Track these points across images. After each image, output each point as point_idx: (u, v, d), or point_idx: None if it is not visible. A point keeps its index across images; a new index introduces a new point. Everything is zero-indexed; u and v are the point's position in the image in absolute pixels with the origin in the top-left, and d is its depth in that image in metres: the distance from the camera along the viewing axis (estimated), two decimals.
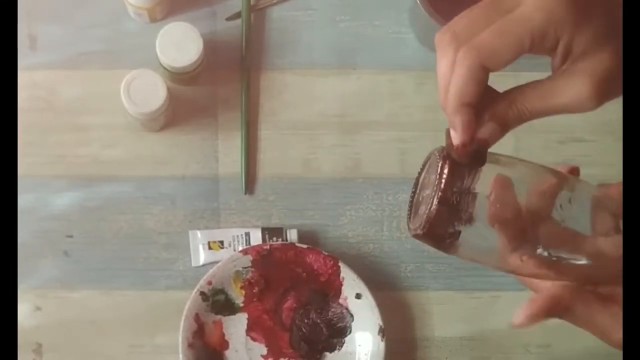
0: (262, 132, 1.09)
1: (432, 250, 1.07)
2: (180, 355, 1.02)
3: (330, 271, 1.04)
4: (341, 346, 1.05)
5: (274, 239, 1.05)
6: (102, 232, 1.07)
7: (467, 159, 0.64)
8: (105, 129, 1.08)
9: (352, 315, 1.05)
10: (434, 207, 0.65)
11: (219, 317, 1.04)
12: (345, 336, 1.05)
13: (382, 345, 1.03)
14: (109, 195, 1.07)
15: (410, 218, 0.70)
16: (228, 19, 1.10)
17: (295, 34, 1.11)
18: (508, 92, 0.63)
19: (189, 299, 1.02)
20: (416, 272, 1.08)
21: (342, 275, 1.04)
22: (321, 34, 1.11)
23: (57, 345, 1.05)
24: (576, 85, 0.60)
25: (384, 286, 1.07)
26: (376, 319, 1.03)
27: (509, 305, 1.08)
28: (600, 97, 0.60)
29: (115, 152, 1.08)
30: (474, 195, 0.66)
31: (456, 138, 0.63)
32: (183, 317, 1.02)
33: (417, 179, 0.69)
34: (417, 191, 0.69)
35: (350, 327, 1.05)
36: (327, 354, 1.05)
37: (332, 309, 1.05)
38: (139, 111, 1.01)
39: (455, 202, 0.65)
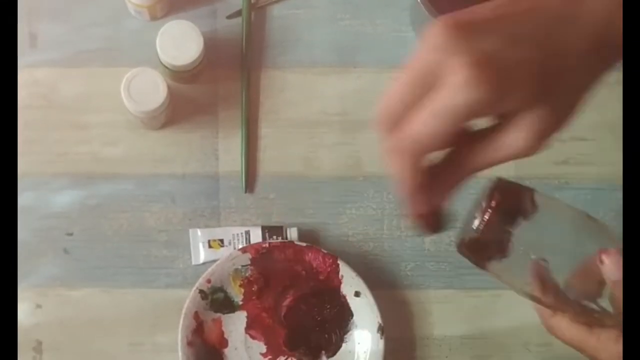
0: (262, 130, 1.09)
1: (432, 249, 1.08)
2: (180, 353, 1.02)
3: (329, 269, 1.04)
4: (340, 344, 1.05)
5: (274, 237, 1.05)
6: (103, 230, 1.07)
7: (432, 229, 0.67)
8: (105, 127, 1.08)
9: (351, 314, 1.05)
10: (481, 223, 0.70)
11: (218, 315, 1.04)
12: (345, 334, 1.05)
13: (381, 343, 1.03)
14: (109, 193, 1.07)
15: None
16: (228, 17, 1.10)
17: (296, 32, 1.11)
18: (450, 156, 0.62)
19: (188, 297, 1.02)
20: (416, 271, 1.08)
21: (341, 273, 1.04)
22: (322, 32, 1.11)
23: (57, 343, 1.05)
24: (520, 140, 0.60)
25: (384, 284, 1.07)
26: (375, 317, 1.03)
27: (509, 304, 1.08)
28: (543, 145, 0.61)
29: (115, 150, 1.08)
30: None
31: (413, 216, 0.65)
32: (182, 315, 1.02)
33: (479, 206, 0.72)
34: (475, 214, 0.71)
35: (349, 325, 1.05)
36: (326, 352, 1.05)
37: (331, 307, 1.05)
38: (139, 109, 1.01)
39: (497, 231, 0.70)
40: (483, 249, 0.71)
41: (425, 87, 0.58)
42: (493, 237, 0.70)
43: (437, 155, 0.62)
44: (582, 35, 0.60)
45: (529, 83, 0.58)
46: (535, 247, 0.71)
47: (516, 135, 0.60)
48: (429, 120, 0.57)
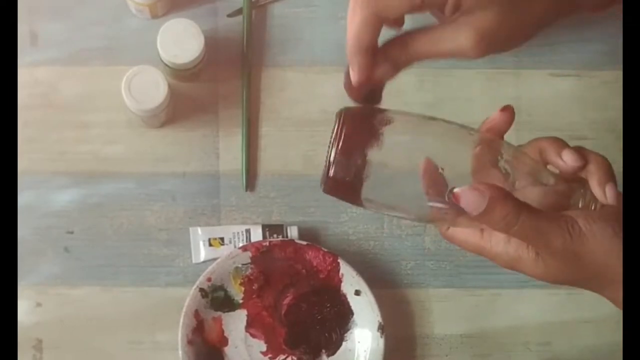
0: (263, 129, 1.09)
1: (432, 247, 1.08)
2: (180, 352, 1.02)
3: (329, 268, 1.04)
4: (340, 343, 1.05)
5: (275, 235, 1.05)
6: (103, 228, 1.07)
7: (362, 99, 0.73)
8: (106, 126, 1.08)
9: (351, 312, 1.05)
10: (332, 157, 0.69)
11: (218, 313, 1.04)
12: (345, 333, 1.05)
13: (381, 342, 1.03)
14: (109, 191, 1.07)
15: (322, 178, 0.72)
16: (229, 16, 1.10)
17: (297, 31, 1.11)
18: (401, 36, 0.70)
19: (189, 296, 1.02)
20: (416, 270, 1.08)
21: (341, 272, 1.04)
22: (322, 31, 1.11)
23: (57, 341, 1.05)
24: (461, 36, 0.67)
25: (385, 283, 1.07)
26: (376, 316, 1.03)
27: (509, 303, 1.08)
28: (482, 49, 0.67)
29: (116, 148, 1.08)
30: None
31: (354, 77, 0.71)
32: (182, 314, 1.02)
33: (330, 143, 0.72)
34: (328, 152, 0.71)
35: (349, 324, 1.05)
36: (327, 350, 1.05)
37: (332, 306, 1.05)
38: (139, 108, 1.01)
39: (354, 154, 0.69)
40: (349, 183, 0.70)
41: None
42: (353, 167, 0.69)
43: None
44: None
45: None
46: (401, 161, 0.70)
47: (462, 31, 0.66)
48: None
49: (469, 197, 0.66)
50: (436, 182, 0.69)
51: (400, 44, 0.70)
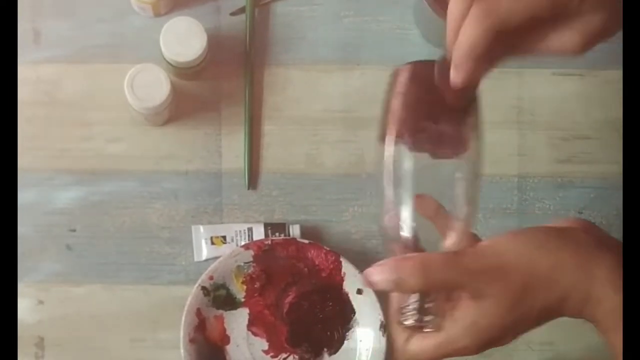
0: (265, 128, 1.09)
1: None
2: (182, 350, 1.02)
3: (331, 266, 1.04)
4: (342, 342, 1.05)
5: (277, 234, 1.05)
6: (105, 226, 1.07)
7: (461, 101, 0.71)
8: (108, 124, 1.08)
9: (353, 311, 1.05)
10: None
11: (220, 311, 1.04)
12: (347, 332, 1.05)
13: (383, 341, 1.03)
14: (112, 189, 1.07)
15: None
16: (232, 14, 1.10)
17: (300, 30, 1.11)
18: (504, 36, 0.67)
19: (191, 294, 1.02)
20: None
21: (343, 270, 1.04)
22: (325, 30, 1.11)
23: (59, 339, 1.06)
24: (565, 37, 0.66)
25: None
26: (378, 315, 1.03)
27: None
28: (585, 49, 0.67)
29: (118, 146, 1.08)
30: None
31: (459, 80, 0.69)
32: (184, 312, 1.02)
33: None
34: None
35: (351, 322, 1.05)
36: (328, 349, 1.05)
37: (334, 305, 1.05)
38: (142, 105, 1.01)
39: None
40: None
41: None
42: None
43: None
44: None
45: None
46: None
47: (569, 34, 0.65)
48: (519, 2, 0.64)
49: (378, 280, 0.69)
50: None
51: (503, 43, 0.68)
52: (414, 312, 0.71)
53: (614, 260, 0.68)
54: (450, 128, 0.73)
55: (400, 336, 0.73)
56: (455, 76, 0.69)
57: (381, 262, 0.70)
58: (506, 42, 0.68)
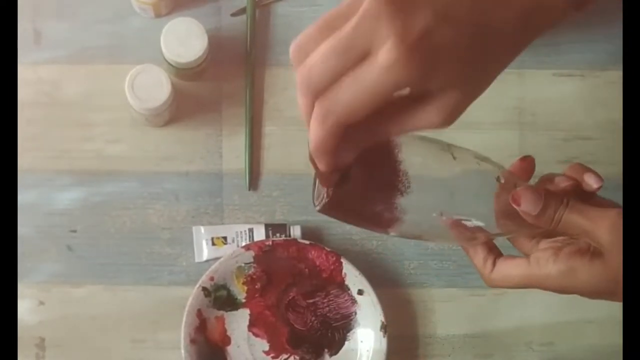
0: (266, 128, 1.09)
1: (435, 247, 1.08)
2: (182, 351, 1.02)
3: (332, 267, 1.04)
4: (343, 342, 1.05)
5: (278, 235, 1.05)
6: (106, 227, 1.07)
7: (330, 185, 0.71)
8: (109, 124, 1.08)
9: (354, 312, 1.05)
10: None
11: (221, 312, 1.04)
12: (348, 332, 1.05)
13: (384, 342, 1.03)
14: (112, 190, 1.07)
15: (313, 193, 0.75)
16: (233, 15, 1.10)
17: (300, 30, 1.09)
18: (365, 121, 0.63)
19: (191, 295, 1.02)
20: (419, 269, 1.08)
21: (344, 271, 1.04)
22: None
23: (60, 340, 1.05)
24: (432, 114, 0.63)
25: (387, 283, 1.07)
26: (379, 316, 1.03)
27: (512, 304, 1.08)
28: (453, 120, 0.64)
29: (119, 147, 1.08)
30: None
31: (320, 167, 0.68)
32: (185, 313, 1.02)
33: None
34: None
35: (352, 323, 1.05)
36: (329, 350, 1.05)
37: (334, 305, 1.05)
38: (143, 106, 1.01)
39: None
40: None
41: (353, 56, 0.60)
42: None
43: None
44: (510, 17, 0.63)
45: (453, 67, 0.60)
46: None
47: (431, 111, 0.63)
48: (357, 93, 0.60)
49: (528, 197, 0.71)
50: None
51: (365, 129, 0.65)
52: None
53: None
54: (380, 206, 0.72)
55: (483, 265, 0.77)
56: (319, 165, 0.68)
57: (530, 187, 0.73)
58: (366, 128, 0.65)
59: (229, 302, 1.05)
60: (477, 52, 0.61)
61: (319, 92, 0.62)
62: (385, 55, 0.58)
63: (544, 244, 0.76)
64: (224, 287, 1.04)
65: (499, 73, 0.65)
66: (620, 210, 0.69)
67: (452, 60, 0.60)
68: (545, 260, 0.73)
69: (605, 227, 0.69)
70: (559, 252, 0.73)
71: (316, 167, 0.68)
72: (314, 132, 0.64)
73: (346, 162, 0.67)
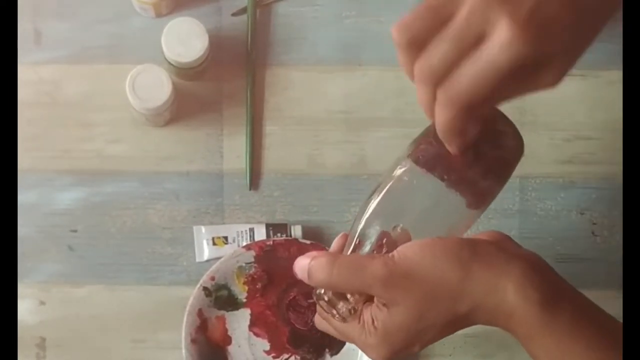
0: (267, 128, 1.09)
1: None
2: (183, 351, 1.02)
3: None
4: (344, 342, 1.05)
5: (278, 235, 1.05)
6: (106, 227, 1.07)
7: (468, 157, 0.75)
8: (110, 124, 1.08)
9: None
10: None
11: (221, 312, 1.04)
12: None
13: None
14: (113, 190, 1.07)
15: None
16: (234, 15, 1.10)
17: (301, 30, 1.11)
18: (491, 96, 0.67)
19: (192, 294, 1.02)
20: None
21: None
22: (327, 30, 1.10)
23: (61, 340, 1.06)
24: (547, 78, 0.67)
25: None
26: None
27: None
28: (560, 82, 0.67)
29: (119, 147, 1.08)
30: None
31: (453, 150, 0.73)
32: (186, 313, 1.02)
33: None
34: None
35: None
36: (330, 350, 1.05)
37: None
38: (143, 106, 1.01)
39: None
40: None
41: (468, 38, 0.64)
42: None
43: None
44: None
45: (562, 34, 0.64)
46: None
47: (547, 76, 0.66)
48: (481, 74, 0.64)
49: (297, 266, 0.80)
50: None
51: (487, 103, 0.69)
52: (325, 297, 0.79)
53: (525, 270, 0.71)
54: (489, 183, 0.76)
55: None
56: (451, 148, 0.72)
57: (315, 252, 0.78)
58: (487, 102, 0.69)
59: (229, 302, 1.05)
60: (579, 18, 0.64)
61: (440, 79, 0.66)
62: (502, 34, 0.62)
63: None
64: (224, 286, 1.04)
65: (596, 37, 0.68)
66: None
67: (560, 28, 0.63)
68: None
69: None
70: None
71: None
72: (443, 117, 0.67)
73: (474, 138, 0.72)
